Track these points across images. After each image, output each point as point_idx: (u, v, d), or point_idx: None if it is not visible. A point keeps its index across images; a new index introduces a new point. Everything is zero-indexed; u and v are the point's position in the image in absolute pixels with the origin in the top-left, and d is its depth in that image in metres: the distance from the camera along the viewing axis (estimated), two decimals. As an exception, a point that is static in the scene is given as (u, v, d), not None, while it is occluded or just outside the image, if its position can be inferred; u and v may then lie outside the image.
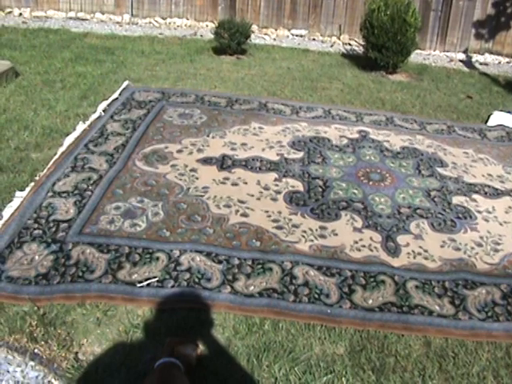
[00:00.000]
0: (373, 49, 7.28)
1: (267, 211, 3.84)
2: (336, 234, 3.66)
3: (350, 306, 3.04)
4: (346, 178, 4.39)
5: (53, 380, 2.50)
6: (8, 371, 2.53)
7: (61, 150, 4.47)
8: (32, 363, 2.58)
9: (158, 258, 3.27)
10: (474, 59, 8.58)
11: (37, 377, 2.51)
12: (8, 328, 2.75)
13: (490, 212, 4.08)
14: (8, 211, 3.62)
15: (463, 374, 2.69)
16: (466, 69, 8.11)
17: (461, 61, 8.51)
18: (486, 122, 5.88)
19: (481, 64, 8.42)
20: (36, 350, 2.65)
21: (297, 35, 9.23)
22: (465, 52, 8.76)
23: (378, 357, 2.74)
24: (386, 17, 7.00)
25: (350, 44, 8.96)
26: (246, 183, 4.19)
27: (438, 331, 2.91)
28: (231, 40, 7.49)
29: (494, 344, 2.88)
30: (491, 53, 8.76)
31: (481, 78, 7.59)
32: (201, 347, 2.60)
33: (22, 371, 2.54)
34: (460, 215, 4.01)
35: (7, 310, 2.86)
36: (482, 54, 8.72)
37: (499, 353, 2.83)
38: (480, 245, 3.69)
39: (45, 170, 4.14)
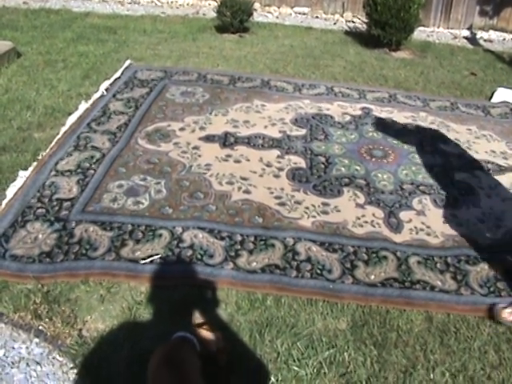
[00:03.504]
0: (376, 26, 7.23)
1: (270, 188, 3.85)
2: (338, 211, 3.66)
3: (353, 282, 3.05)
4: (349, 155, 4.38)
5: (57, 356, 2.52)
6: (13, 348, 2.55)
7: (63, 129, 4.48)
8: (37, 340, 2.60)
9: (160, 235, 3.28)
10: (478, 36, 8.52)
11: (41, 353, 2.53)
12: (13, 306, 2.77)
13: (492, 188, 4.08)
14: (11, 190, 3.64)
15: (464, 348, 2.70)
16: (470, 46, 8.05)
17: (465, 38, 8.45)
18: (490, 98, 5.85)
19: (485, 41, 8.37)
20: (40, 327, 2.67)
21: (299, 13, 9.18)
22: (469, 29, 8.69)
23: (379, 332, 2.75)
24: (390, -7, 6.96)
25: (353, 21, 8.90)
26: (248, 160, 4.19)
27: (440, 306, 2.92)
28: (233, 18, 7.45)
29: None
30: (496, 30, 8.68)
31: (485, 55, 7.54)
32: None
33: (27, 348, 2.56)
34: (462, 191, 4.00)
35: (11, 288, 2.88)
36: (487, 31, 8.65)
37: (501, 328, 2.83)
38: (482, 221, 3.69)
39: (47, 150, 4.14)
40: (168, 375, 2.06)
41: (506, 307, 2.79)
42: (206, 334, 2.42)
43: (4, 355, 2.50)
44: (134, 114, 4.81)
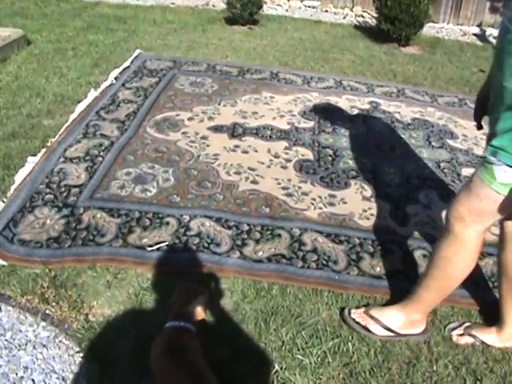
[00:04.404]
0: (385, 21, 7.22)
1: (277, 179, 3.86)
2: (345, 203, 3.67)
3: (358, 273, 3.06)
4: (357, 148, 4.38)
5: (64, 340, 2.54)
6: (20, 331, 2.57)
7: (72, 116, 4.49)
8: (43, 323, 2.62)
9: (168, 223, 3.30)
10: (487, 33, 8.48)
11: (48, 336, 2.55)
12: (20, 289, 2.78)
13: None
14: (20, 176, 3.66)
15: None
16: (479, 42, 8.04)
17: (474, 34, 8.43)
18: (498, 95, 5.84)
19: (494, 38, 8.32)
20: (47, 311, 2.68)
21: (309, 6, 9.18)
22: (479, 26, 8.67)
23: (384, 322, 2.77)
24: (400, -12, 6.96)
25: (362, 16, 8.89)
26: (256, 151, 4.20)
27: (445, 299, 2.92)
28: (243, 10, 7.45)
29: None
30: (505, 26, 8.65)
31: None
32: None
33: (34, 331, 2.58)
34: (469, 186, 4.00)
35: (19, 272, 2.90)
36: (497, 28, 8.62)
37: None
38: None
39: (56, 137, 4.16)
40: (171, 363, 2.07)
41: (455, 328, 2.79)
42: (193, 309, 2.35)
43: (11, 337, 2.52)
44: (142, 102, 4.82)
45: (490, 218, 2.28)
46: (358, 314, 2.72)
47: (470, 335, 2.72)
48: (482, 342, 2.69)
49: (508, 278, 2.60)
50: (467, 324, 2.79)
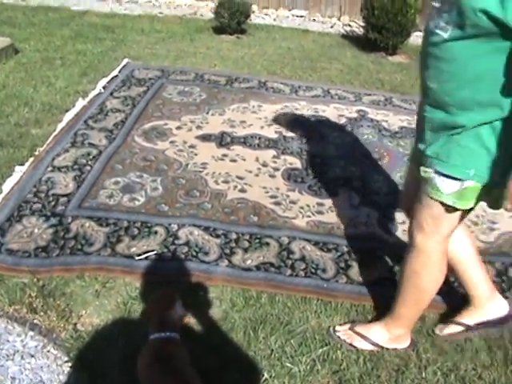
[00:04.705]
0: (373, 30, 7.26)
1: (265, 187, 3.87)
2: (333, 211, 3.68)
3: (347, 281, 3.07)
4: (345, 156, 4.40)
5: (52, 349, 2.53)
6: (8, 341, 2.56)
7: (60, 125, 4.49)
8: (31, 333, 2.61)
9: (156, 232, 3.30)
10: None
11: (36, 346, 2.54)
12: (8, 299, 2.77)
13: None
14: (8, 185, 3.65)
15: (456, 348, 2.71)
16: (465, 51, 8.07)
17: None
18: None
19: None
20: (35, 321, 2.67)
21: (297, 16, 9.20)
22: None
23: (372, 330, 2.77)
24: (387, -3, 7.00)
25: (350, 25, 8.92)
26: (244, 160, 4.21)
27: (433, 307, 2.92)
28: (231, 19, 7.47)
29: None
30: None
31: (480, 60, 7.56)
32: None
33: (22, 341, 2.56)
34: (457, 194, 4.02)
35: (7, 282, 2.89)
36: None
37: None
38: (476, 223, 3.71)
39: (44, 146, 4.16)
40: (159, 372, 2.06)
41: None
42: (173, 315, 2.30)
43: (-1, 348, 2.52)
44: (131, 111, 4.82)
45: (446, 227, 2.30)
46: (343, 332, 2.72)
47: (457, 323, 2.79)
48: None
49: (456, 262, 2.66)
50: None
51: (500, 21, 1.72)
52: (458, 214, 2.21)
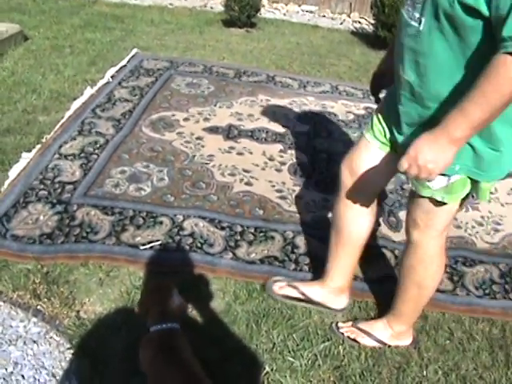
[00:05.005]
0: (382, 27, 7.25)
1: (271, 181, 3.86)
2: (339, 207, 3.68)
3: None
4: (351, 153, 4.39)
5: (54, 336, 2.54)
6: (11, 326, 2.56)
7: (68, 113, 4.49)
8: (34, 319, 2.61)
9: (161, 223, 3.30)
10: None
11: (39, 332, 2.55)
12: (12, 285, 2.78)
13: (492, 193, 4.09)
14: (14, 172, 3.65)
15: (458, 348, 2.72)
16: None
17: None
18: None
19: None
20: (39, 307, 2.68)
21: (307, 11, 9.20)
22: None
23: (375, 327, 2.77)
24: (398, -5, 6.98)
25: (359, 22, 8.91)
26: (251, 153, 4.21)
27: (436, 306, 2.93)
28: (241, 13, 7.47)
29: (491, 321, 2.91)
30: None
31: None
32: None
33: (25, 327, 2.57)
34: (463, 194, 4.01)
35: (11, 268, 2.89)
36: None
37: (495, 330, 2.86)
38: (481, 224, 3.71)
39: (52, 133, 4.16)
40: (163, 362, 2.06)
41: (277, 281, 2.89)
42: (173, 305, 2.27)
43: (2, 333, 2.52)
44: (138, 102, 4.82)
45: (442, 221, 2.28)
46: (346, 328, 2.73)
47: (291, 286, 2.82)
48: (303, 293, 2.78)
49: (337, 231, 2.70)
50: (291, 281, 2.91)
51: (476, 10, 1.67)
52: (450, 207, 2.19)
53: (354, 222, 2.63)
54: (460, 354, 2.69)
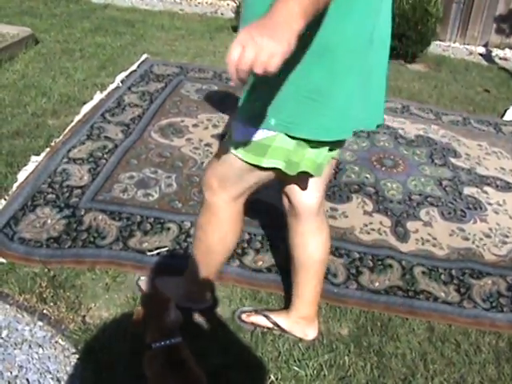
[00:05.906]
0: (393, 37, 7.18)
1: (279, 189, 3.84)
2: (346, 216, 3.67)
3: (357, 287, 3.06)
4: (360, 162, 4.39)
5: (60, 340, 2.54)
6: (17, 329, 2.57)
7: (77, 117, 4.50)
8: (40, 323, 2.61)
9: (168, 229, 3.30)
10: (493, 53, 8.49)
11: (44, 336, 2.55)
12: (18, 288, 2.78)
13: (500, 205, 4.08)
14: (23, 175, 3.66)
15: (464, 360, 2.71)
16: (485, 62, 8.05)
17: (480, 54, 8.44)
18: (503, 116, 5.86)
19: (500, 59, 8.35)
20: (45, 311, 2.68)
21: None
22: (485, 46, 8.67)
23: (381, 338, 2.76)
24: (408, 5, 6.96)
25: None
26: (259, 161, 4.19)
27: (442, 317, 2.93)
28: (251, 20, 7.46)
29: (498, 334, 2.90)
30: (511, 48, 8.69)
31: (499, 73, 7.53)
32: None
33: (31, 330, 2.57)
34: (470, 206, 4.01)
35: (18, 271, 2.90)
36: (503, 49, 8.63)
37: (502, 343, 2.84)
38: (489, 236, 3.69)
39: (61, 137, 4.17)
40: (171, 375, 2.05)
41: (245, 312, 2.81)
42: (170, 319, 2.19)
43: (7, 336, 2.52)
44: (148, 107, 4.83)
45: (234, 186, 2.20)
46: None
47: (263, 315, 2.72)
48: (274, 323, 2.68)
49: (297, 263, 2.55)
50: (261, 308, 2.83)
51: None
52: (244, 172, 2.10)
53: (299, 245, 2.52)
54: (466, 367, 2.67)
